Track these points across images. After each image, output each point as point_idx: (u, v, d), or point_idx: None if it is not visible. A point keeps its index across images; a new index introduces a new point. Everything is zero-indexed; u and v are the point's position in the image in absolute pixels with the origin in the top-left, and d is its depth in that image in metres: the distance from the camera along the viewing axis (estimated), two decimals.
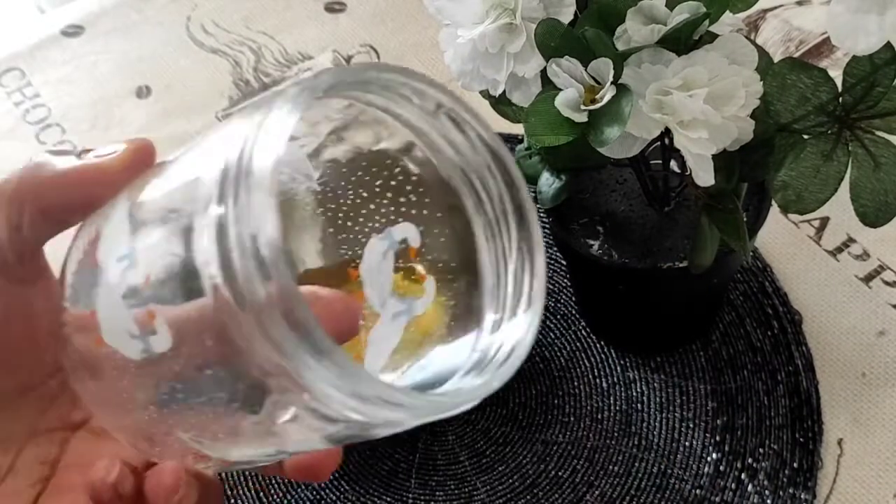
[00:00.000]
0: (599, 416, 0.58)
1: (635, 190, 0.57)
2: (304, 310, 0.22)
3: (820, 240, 0.65)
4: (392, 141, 0.30)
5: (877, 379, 0.59)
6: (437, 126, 0.29)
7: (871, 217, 0.45)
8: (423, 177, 0.31)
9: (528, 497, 0.56)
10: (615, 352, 0.61)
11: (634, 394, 0.59)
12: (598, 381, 0.60)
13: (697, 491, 0.56)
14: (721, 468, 0.56)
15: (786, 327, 0.61)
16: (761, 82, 0.43)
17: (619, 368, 0.60)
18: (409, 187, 0.31)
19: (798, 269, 0.64)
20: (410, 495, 0.57)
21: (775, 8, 0.79)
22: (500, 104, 0.48)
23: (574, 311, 0.63)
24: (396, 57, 0.80)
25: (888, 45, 0.38)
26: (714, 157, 0.43)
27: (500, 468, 0.58)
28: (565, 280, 0.65)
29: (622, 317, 0.61)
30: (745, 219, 0.48)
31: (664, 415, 0.58)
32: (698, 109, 0.41)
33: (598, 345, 0.62)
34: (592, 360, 0.61)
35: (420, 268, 0.33)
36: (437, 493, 0.57)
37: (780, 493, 0.55)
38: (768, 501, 0.55)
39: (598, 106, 0.42)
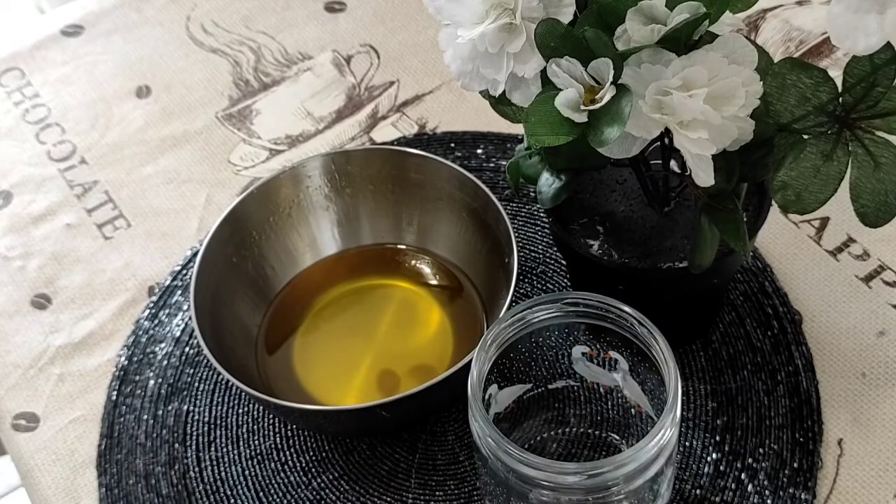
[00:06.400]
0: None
1: (635, 190, 0.57)
2: None
3: (820, 240, 0.65)
4: None
5: (877, 379, 0.59)
6: None
7: (871, 217, 0.45)
8: None
9: None
10: None
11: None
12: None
13: (697, 491, 0.56)
14: (721, 468, 0.56)
15: (786, 327, 0.61)
16: (761, 82, 0.43)
17: None
18: None
19: (798, 269, 0.64)
20: (410, 495, 0.57)
21: (775, 8, 0.79)
22: (500, 104, 0.48)
23: None
24: (396, 57, 0.80)
25: (888, 45, 0.38)
26: (714, 157, 0.43)
27: None
28: (565, 280, 0.65)
29: None
30: (745, 219, 0.48)
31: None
32: (698, 109, 0.41)
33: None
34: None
35: None
36: (437, 493, 0.57)
37: (780, 493, 0.55)
38: (768, 501, 0.55)
39: (598, 106, 0.42)
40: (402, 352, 0.62)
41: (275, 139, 0.76)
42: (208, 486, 0.59)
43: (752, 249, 0.64)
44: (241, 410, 0.62)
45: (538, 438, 0.58)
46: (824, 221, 0.66)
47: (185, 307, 0.67)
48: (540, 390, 0.57)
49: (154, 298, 0.67)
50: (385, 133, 0.75)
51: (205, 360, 0.64)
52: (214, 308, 0.59)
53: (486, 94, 0.47)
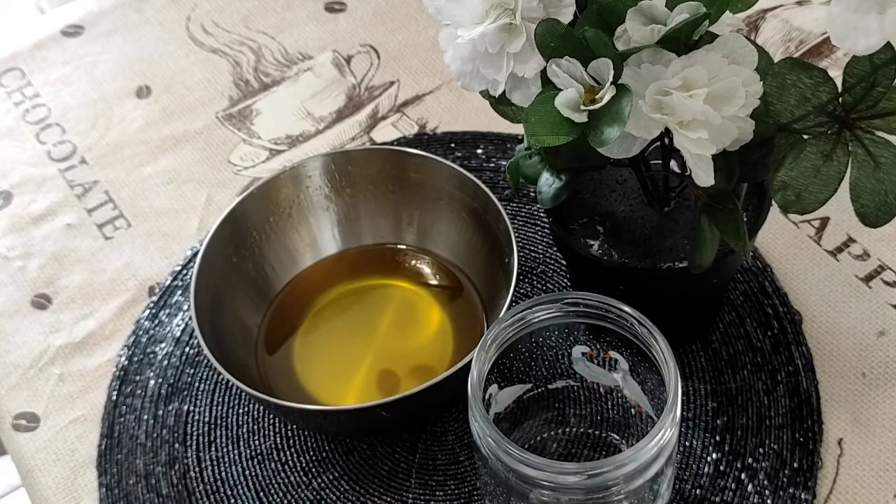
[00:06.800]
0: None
1: (635, 190, 0.57)
2: None
3: (820, 240, 0.65)
4: None
5: (877, 379, 0.59)
6: None
7: (871, 217, 0.45)
8: None
9: None
10: None
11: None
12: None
13: (697, 491, 0.56)
14: (721, 468, 0.56)
15: (786, 327, 0.61)
16: (761, 82, 0.43)
17: None
18: None
19: (798, 269, 0.64)
20: (410, 495, 0.57)
21: (775, 8, 0.79)
22: (500, 104, 0.48)
23: None
24: (396, 57, 0.80)
25: (888, 45, 0.38)
26: (714, 157, 0.43)
27: None
28: (565, 280, 0.65)
29: None
30: (745, 219, 0.48)
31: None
32: (698, 110, 0.41)
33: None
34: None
35: None
36: (437, 493, 0.57)
37: (780, 493, 0.55)
38: (768, 501, 0.55)
39: (598, 106, 0.42)
40: (402, 352, 0.62)
41: (275, 139, 0.76)
42: (208, 486, 0.59)
43: (752, 249, 0.64)
44: (241, 410, 0.62)
45: (538, 438, 0.58)
46: (824, 221, 0.66)
47: (185, 307, 0.67)
48: (540, 390, 0.57)
49: (154, 298, 0.67)
50: (385, 133, 0.75)
51: (205, 360, 0.64)
52: (214, 308, 0.59)
53: (486, 94, 0.47)
